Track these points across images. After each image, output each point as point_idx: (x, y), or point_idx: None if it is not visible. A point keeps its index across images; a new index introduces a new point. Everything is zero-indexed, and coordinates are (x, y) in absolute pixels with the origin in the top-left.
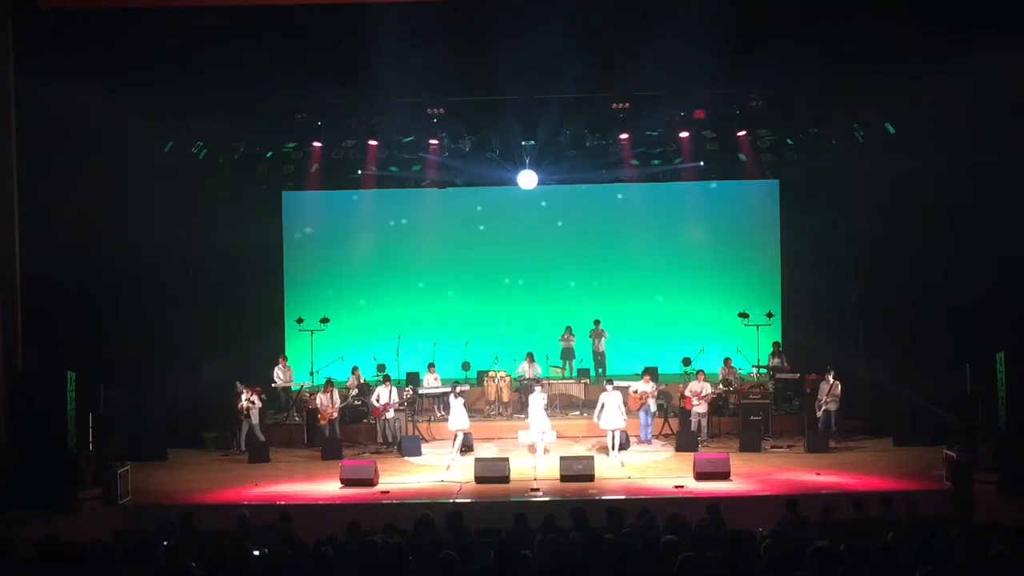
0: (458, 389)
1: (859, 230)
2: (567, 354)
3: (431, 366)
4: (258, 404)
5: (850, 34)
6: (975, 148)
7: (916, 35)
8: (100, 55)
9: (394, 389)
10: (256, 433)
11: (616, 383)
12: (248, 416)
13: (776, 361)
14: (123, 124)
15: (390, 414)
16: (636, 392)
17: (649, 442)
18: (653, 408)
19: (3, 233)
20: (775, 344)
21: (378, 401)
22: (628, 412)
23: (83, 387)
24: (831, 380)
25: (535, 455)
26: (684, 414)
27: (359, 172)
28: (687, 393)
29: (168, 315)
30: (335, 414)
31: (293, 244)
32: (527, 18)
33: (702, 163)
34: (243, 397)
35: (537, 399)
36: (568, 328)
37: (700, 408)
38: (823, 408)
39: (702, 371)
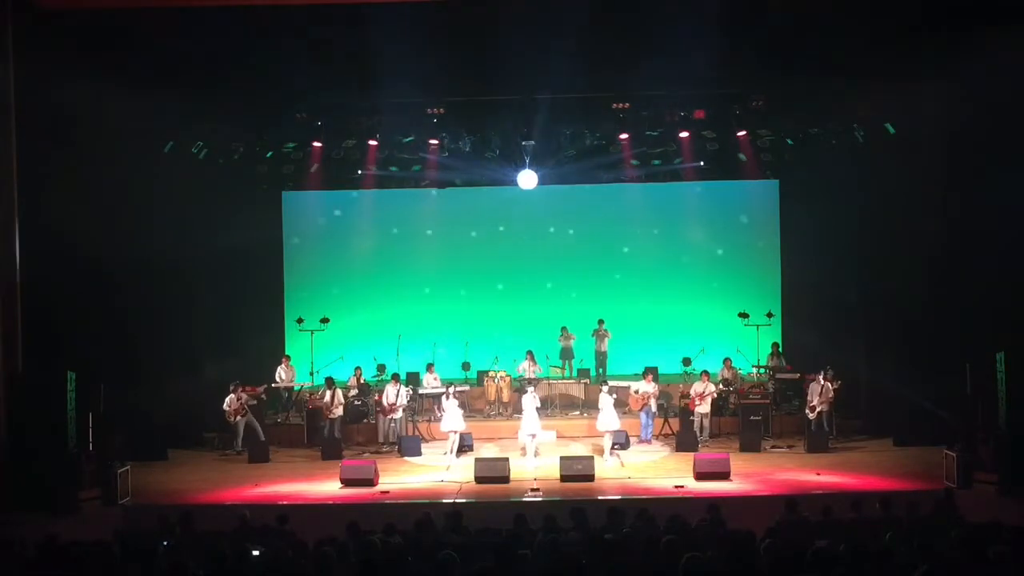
0: (451, 390)
1: (859, 230)
2: (565, 354)
3: (430, 366)
4: (247, 400)
5: (850, 34)
6: (975, 148)
7: (916, 35)
8: (100, 55)
9: (402, 388)
10: (257, 431)
11: (611, 383)
12: (247, 415)
13: (775, 362)
14: (123, 124)
15: (397, 414)
16: (638, 392)
17: (649, 442)
18: (654, 408)
19: (3, 233)
20: (774, 345)
21: (386, 400)
22: (628, 412)
23: (83, 387)
24: (821, 381)
25: (526, 457)
26: (685, 414)
27: (359, 172)
28: (692, 393)
29: (168, 315)
30: (338, 411)
31: (293, 244)
32: (527, 18)
33: (702, 163)
34: (231, 397)
35: (529, 400)
36: (564, 328)
37: (703, 408)
38: (816, 411)
39: (706, 371)
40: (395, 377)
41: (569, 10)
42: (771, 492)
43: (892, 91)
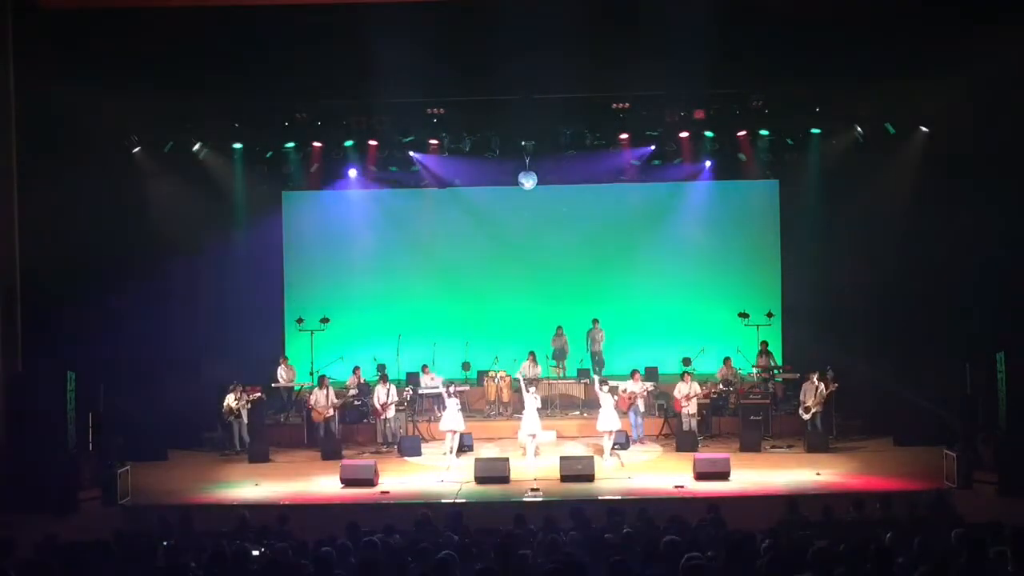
0: (451, 389)
1: (859, 230)
2: (559, 354)
3: (424, 368)
4: (245, 403)
5: (850, 34)
6: (975, 148)
7: (917, 35)
8: (100, 55)
9: (392, 388)
10: (243, 433)
11: (611, 383)
12: (239, 416)
13: (765, 360)
14: (123, 124)
15: (390, 413)
16: (625, 392)
17: (642, 442)
18: (642, 408)
19: (3, 232)
20: (763, 343)
21: (377, 401)
22: (623, 413)
23: (83, 387)
24: (815, 382)
25: (526, 457)
26: (678, 415)
27: (358, 173)
28: (676, 394)
29: (168, 315)
30: (330, 412)
31: (293, 244)
32: (527, 18)
33: (706, 164)
34: (230, 398)
35: (529, 400)
36: (559, 328)
37: (689, 409)
38: (810, 412)
39: (687, 373)
40: (383, 377)
41: (568, 10)
42: (771, 492)
43: (892, 91)
